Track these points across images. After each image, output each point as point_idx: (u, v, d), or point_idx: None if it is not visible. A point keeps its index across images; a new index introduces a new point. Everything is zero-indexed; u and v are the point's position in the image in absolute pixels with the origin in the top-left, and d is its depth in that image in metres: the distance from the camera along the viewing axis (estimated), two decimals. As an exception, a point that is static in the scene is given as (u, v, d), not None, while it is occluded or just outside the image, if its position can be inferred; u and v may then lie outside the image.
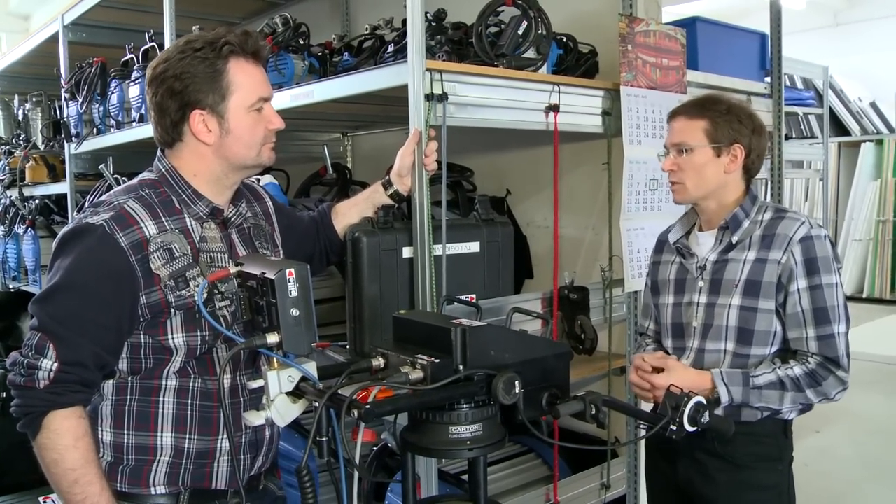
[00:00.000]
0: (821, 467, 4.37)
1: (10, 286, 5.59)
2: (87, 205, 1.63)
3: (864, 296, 9.19)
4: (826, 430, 4.87)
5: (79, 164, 4.54)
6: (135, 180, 1.72)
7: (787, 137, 4.07)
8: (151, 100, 1.67)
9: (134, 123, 3.69)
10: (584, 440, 2.91)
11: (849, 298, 8.50)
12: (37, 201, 5.29)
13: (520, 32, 2.44)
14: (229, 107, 1.65)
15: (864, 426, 5.04)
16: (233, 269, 1.49)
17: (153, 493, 1.66)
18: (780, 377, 1.93)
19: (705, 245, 2.09)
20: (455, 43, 2.55)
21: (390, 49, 2.65)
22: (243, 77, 1.65)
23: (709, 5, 8.64)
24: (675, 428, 1.49)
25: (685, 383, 1.83)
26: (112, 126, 3.94)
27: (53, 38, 4.53)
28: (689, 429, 1.49)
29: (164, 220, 1.63)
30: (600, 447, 2.85)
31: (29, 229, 5.19)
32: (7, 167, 5.41)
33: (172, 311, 1.61)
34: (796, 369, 1.93)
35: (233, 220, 1.77)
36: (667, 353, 2.16)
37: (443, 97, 2.17)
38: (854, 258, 9.33)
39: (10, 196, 5.42)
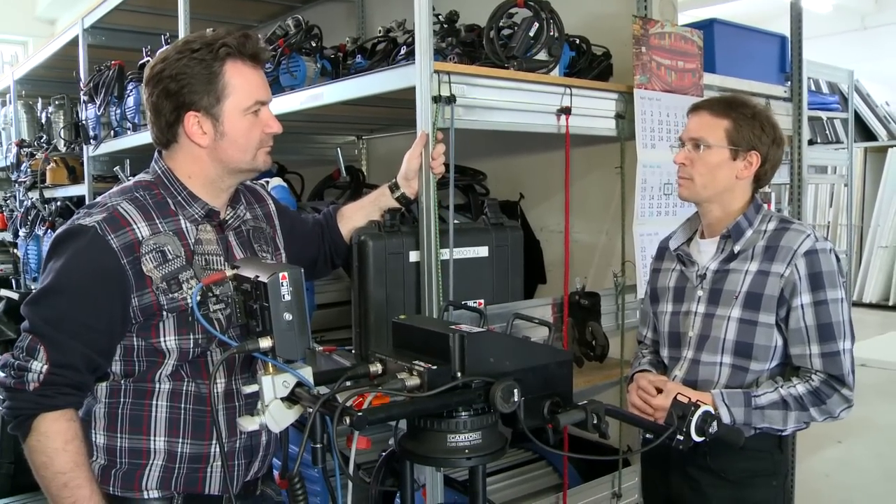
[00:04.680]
0: (842, 479, 4.29)
1: (32, 287, 5.64)
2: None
3: (891, 303, 9.03)
4: (848, 441, 4.78)
5: (97, 167, 4.59)
6: (130, 181, 1.71)
7: (811, 142, 3.99)
8: (148, 100, 1.66)
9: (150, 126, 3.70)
10: (596, 448, 2.87)
11: (874, 306, 8.41)
12: (57, 203, 5.35)
13: (531, 34, 2.41)
14: (224, 109, 1.63)
15: (888, 437, 4.94)
16: (229, 272, 1.47)
17: (146, 497, 1.65)
18: (783, 396, 1.87)
19: (706, 253, 2.04)
20: (467, 45, 2.53)
21: (403, 51, 2.63)
22: (240, 79, 1.64)
23: (729, 9, 8.55)
24: (682, 438, 1.45)
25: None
26: (129, 128, 3.96)
27: (74, 42, 4.58)
28: (697, 439, 1.45)
29: (157, 221, 1.62)
30: (611, 457, 2.80)
31: (49, 231, 5.24)
32: (29, 169, 5.47)
33: (165, 313, 1.59)
34: (800, 387, 1.88)
35: (230, 222, 1.75)
36: (663, 363, 2.12)
37: (451, 99, 2.14)
38: (880, 265, 9.17)
39: (32, 198, 5.48)
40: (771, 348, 1.92)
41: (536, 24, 2.41)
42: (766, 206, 2.05)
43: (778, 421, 1.88)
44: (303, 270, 1.38)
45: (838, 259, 1.92)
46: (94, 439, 1.65)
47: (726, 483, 1.97)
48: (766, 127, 1.98)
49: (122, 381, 1.64)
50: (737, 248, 1.97)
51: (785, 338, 1.92)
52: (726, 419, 1.86)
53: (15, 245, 6.10)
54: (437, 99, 2.11)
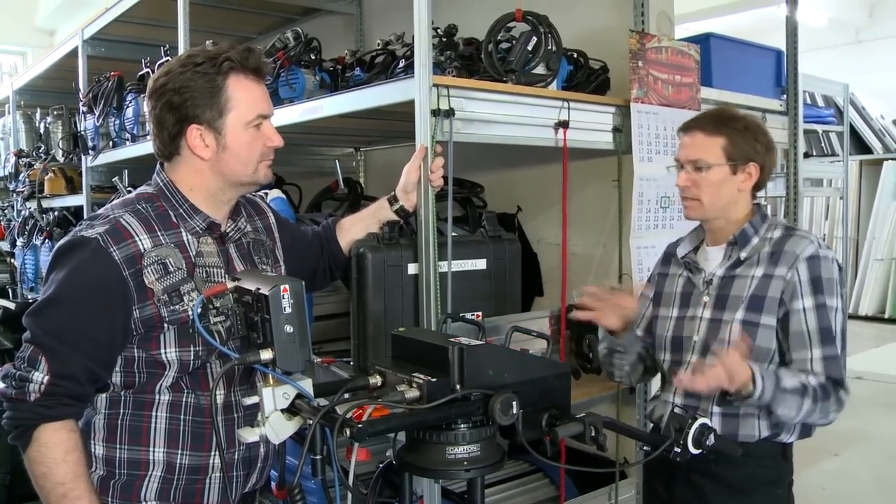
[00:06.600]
0: (838, 491, 4.28)
1: (28, 297, 5.65)
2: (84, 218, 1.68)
3: (886, 316, 9.04)
4: (844, 454, 4.78)
5: (95, 177, 4.61)
6: (132, 194, 1.72)
7: (806, 155, 4.01)
8: (151, 112, 1.68)
9: (149, 137, 3.69)
10: (594, 460, 2.87)
11: (870, 319, 8.37)
12: (55, 213, 5.36)
13: (529, 48, 2.43)
14: (227, 123, 1.64)
15: (884, 449, 4.94)
16: (230, 285, 1.48)
17: None
18: (804, 383, 1.85)
19: (713, 260, 2.07)
20: (465, 59, 2.55)
21: (401, 64, 2.65)
22: (242, 93, 1.65)
23: (724, 22, 8.60)
24: (679, 450, 1.46)
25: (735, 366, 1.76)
26: (128, 139, 3.98)
27: (73, 53, 4.60)
28: (694, 451, 1.45)
29: (159, 234, 1.63)
30: (608, 469, 2.80)
31: (46, 241, 5.25)
32: (27, 179, 5.49)
33: (165, 325, 1.60)
34: (812, 379, 1.87)
35: (231, 235, 1.76)
36: (658, 367, 2.12)
37: (450, 113, 2.15)
38: (876, 278, 9.18)
39: (29, 208, 5.49)
40: (771, 350, 1.93)
41: (534, 38, 2.43)
42: (780, 215, 2.07)
43: (793, 408, 1.84)
44: (303, 283, 1.39)
45: (840, 269, 1.94)
46: (93, 450, 1.65)
47: (731, 490, 1.97)
48: (759, 136, 2.02)
49: (122, 393, 1.65)
50: (743, 255, 1.99)
51: (781, 340, 1.93)
52: (757, 394, 1.80)
53: (12, 255, 6.10)
54: (435, 112, 2.13)
